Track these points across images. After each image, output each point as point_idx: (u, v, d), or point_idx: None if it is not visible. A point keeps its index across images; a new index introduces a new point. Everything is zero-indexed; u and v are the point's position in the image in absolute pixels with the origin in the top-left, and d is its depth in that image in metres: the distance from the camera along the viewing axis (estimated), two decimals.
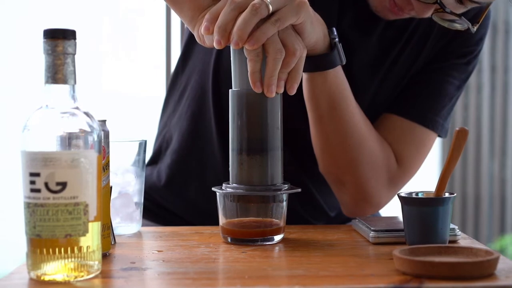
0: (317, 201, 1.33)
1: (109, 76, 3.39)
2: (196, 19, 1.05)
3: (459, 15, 1.12)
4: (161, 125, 1.40)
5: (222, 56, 1.26)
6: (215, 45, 0.98)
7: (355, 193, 1.23)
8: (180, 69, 1.38)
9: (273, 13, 0.97)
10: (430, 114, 1.25)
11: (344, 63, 1.12)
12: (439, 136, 1.27)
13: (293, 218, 1.17)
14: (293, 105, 1.15)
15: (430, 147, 1.29)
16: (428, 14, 1.13)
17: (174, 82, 1.39)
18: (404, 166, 1.25)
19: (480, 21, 1.15)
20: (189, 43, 1.35)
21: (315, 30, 1.05)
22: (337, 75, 1.13)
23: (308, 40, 1.03)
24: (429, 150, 1.29)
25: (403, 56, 1.26)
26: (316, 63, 1.10)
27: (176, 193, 1.34)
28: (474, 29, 1.14)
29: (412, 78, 1.27)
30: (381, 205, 1.27)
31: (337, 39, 1.10)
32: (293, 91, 1.02)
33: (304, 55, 1.01)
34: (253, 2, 0.96)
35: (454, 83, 1.27)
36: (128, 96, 3.36)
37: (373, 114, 1.25)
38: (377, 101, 1.27)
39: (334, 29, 1.10)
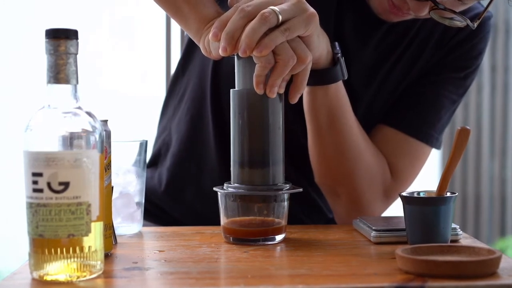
0: (317, 204, 1.33)
1: (108, 76, 3.39)
2: (202, 30, 1.05)
3: (455, 12, 1.12)
4: (160, 128, 1.40)
5: (221, 60, 1.25)
6: (220, 51, 0.98)
7: (349, 205, 1.24)
8: (180, 72, 1.38)
9: (282, 23, 0.97)
10: (425, 128, 1.26)
11: (346, 78, 1.13)
12: (433, 148, 1.28)
13: (292, 220, 1.16)
14: (294, 112, 1.15)
15: (424, 160, 1.29)
16: (424, 12, 1.12)
17: (174, 85, 1.39)
18: (398, 178, 1.26)
19: (481, 17, 1.14)
20: (189, 47, 1.35)
21: (321, 44, 1.05)
22: (338, 89, 1.14)
23: (313, 53, 1.03)
24: (423, 163, 1.30)
25: (401, 62, 1.26)
26: (318, 77, 1.11)
27: (174, 196, 1.34)
28: (475, 25, 1.14)
29: (409, 89, 1.27)
30: None
31: (340, 54, 1.10)
32: (294, 100, 1.03)
33: (310, 65, 1.02)
34: (262, 11, 0.96)
35: (451, 97, 1.27)
36: (127, 96, 3.36)
37: (369, 121, 1.25)
38: (373, 107, 1.27)
39: (337, 43, 1.11)
